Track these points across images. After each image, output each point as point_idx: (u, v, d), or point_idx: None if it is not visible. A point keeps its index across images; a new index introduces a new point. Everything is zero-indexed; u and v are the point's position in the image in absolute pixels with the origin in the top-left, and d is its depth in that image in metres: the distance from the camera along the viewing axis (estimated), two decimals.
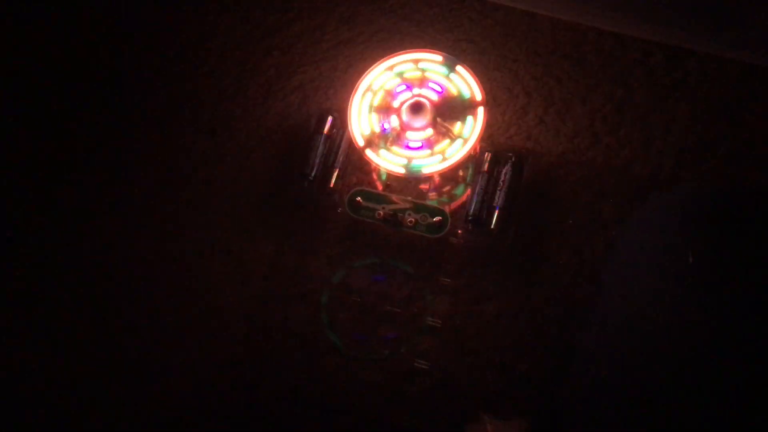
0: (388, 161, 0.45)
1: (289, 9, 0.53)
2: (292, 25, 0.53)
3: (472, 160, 0.46)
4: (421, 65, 0.46)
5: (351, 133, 0.45)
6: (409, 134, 0.45)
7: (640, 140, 0.47)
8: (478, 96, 0.44)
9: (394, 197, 0.46)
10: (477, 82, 0.45)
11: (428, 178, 0.46)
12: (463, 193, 0.47)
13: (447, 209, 0.46)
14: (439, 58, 0.45)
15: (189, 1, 0.54)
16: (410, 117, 0.45)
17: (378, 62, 0.47)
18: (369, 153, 0.45)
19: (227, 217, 0.49)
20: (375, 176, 0.47)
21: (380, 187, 0.47)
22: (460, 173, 0.47)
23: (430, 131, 0.45)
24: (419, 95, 0.45)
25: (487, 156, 0.46)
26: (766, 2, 0.47)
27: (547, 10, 0.50)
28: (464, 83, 0.45)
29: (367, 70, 0.47)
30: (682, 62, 0.48)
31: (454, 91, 0.45)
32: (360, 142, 0.45)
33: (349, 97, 0.47)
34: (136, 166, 0.51)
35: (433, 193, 0.47)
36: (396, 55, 0.46)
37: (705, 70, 0.48)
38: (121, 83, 0.52)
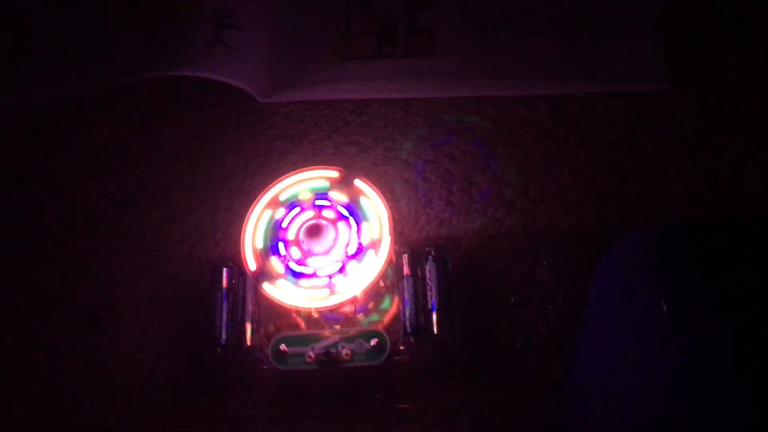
0: (295, 296, 0.40)
1: (150, 161, 0.48)
2: (157, 178, 0.48)
3: (391, 266, 0.42)
4: (311, 185, 0.42)
5: (249, 275, 0.40)
6: (313, 261, 0.41)
7: (552, 195, 0.45)
8: (381, 207, 0.41)
9: (321, 332, 0.41)
10: (377, 193, 0.41)
11: (350, 302, 0.41)
12: (392, 304, 0.43)
13: (381, 327, 0.41)
14: (334, 174, 0.42)
15: (46, 181, 0.48)
16: (310, 242, 0.40)
17: (264, 191, 0.42)
18: (269, 288, 0.40)
19: (139, 412, 0.42)
20: (294, 315, 0.42)
21: (303, 326, 0.42)
22: (381, 284, 0.43)
23: (336, 253, 0.40)
24: (316, 216, 0.41)
25: (405, 258, 0.42)
26: (628, 35, 0.47)
27: (419, 93, 0.48)
28: (364, 196, 0.41)
29: (252, 201, 0.43)
30: (566, 109, 0.47)
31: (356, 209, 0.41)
32: (264, 283, 0.40)
33: (240, 236, 0.42)
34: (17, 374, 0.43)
35: (360, 314, 0.43)
36: (282, 179, 0.42)
37: (590, 110, 0.46)
38: None
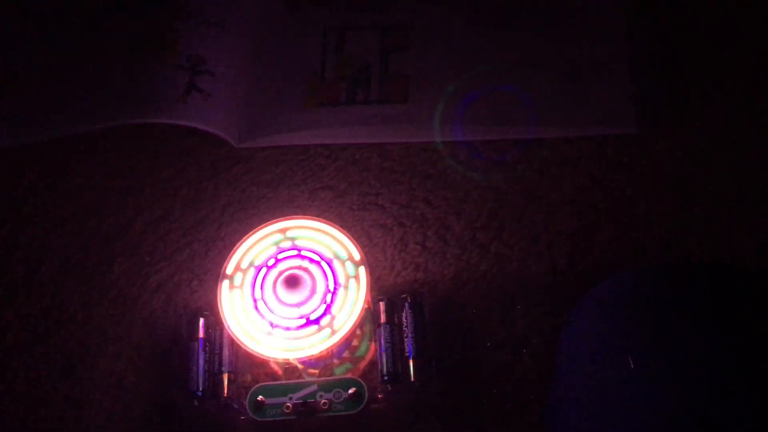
0: (272, 348, 0.39)
1: (124, 208, 0.48)
2: (132, 225, 0.48)
3: (368, 312, 0.42)
4: (289, 233, 0.41)
5: (227, 327, 0.40)
6: (288, 311, 0.40)
7: (526, 239, 0.46)
8: (356, 255, 0.41)
9: (299, 381, 0.41)
10: (352, 241, 0.41)
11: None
12: (368, 350, 0.43)
13: (356, 374, 0.41)
14: (311, 223, 0.41)
15: (18, 224, 0.48)
16: (287, 292, 0.40)
17: (242, 239, 0.42)
18: (245, 340, 0.39)
19: None
20: (271, 365, 0.42)
21: (281, 374, 0.42)
22: (358, 331, 0.43)
23: (313, 304, 0.40)
24: (294, 267, 0.40)
25: (381, 306, 0.42)
26: (596, 79, 0.48)
27: (393, 138, 0.48)
28: (338, 244, 0.41)
29: (229, 248, 0.43)
30: (538, 152, 0.47)
31: (329, 254, 0.41)
32: (240, 336, 0.40)
33: (216, 284, 0.42)
34: None
35: (336, 360, 0.42)
36: (259, 229, 0.42)
37: (561, 153, 0.47)
38: None
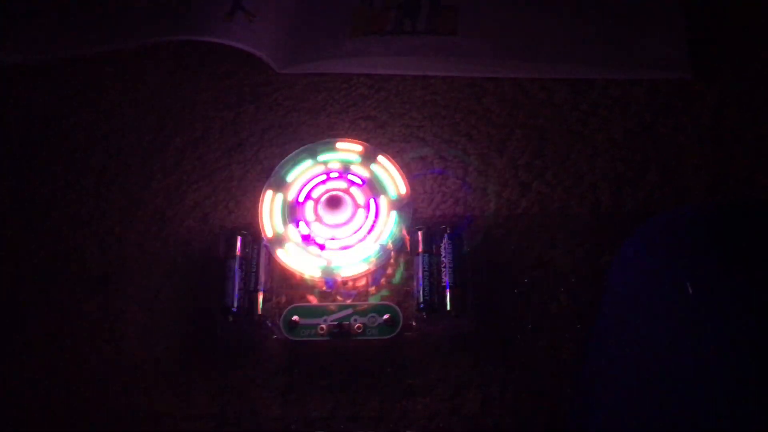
0: (311, 265, 0.39)
1: (163, 126, 0.48)
2: (171, 142, 0.47)
3: (405, 242, 0.42)
4: (337, 156, 0.41)
5: (264, 235, 0.40)
6: (331, 231, 0.40)
7: (569, 179, 0.45)
8: (403, 189, 0.40)
9: (332, 305, 0.41)
10: (401, 173, 0.40)
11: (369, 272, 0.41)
12: (404, 279, 0.42)
13: (393, 302, 0.41)
14: (359, 147, 0.41)
15: (58, 140, 0.48)
16: (329, 212, 0.40)
17: (289, 155, 0.41)
18: (284, 255, 0.39)
19: (144, 379, 0.41)
20: (306, 287, 0.42)
21: (315, 299, 0.41)
22: (393, 260, 0.42)
23: (355, 224, 0.40)
24: (337, 189, 0.40)
25: (420, 235, 0.42)
26: (651, 23, 0.46)
27: (438, 71, 0.47)
28: (386, 173, 0.40)
29: (267, 171, 0.42)
30: (587, 94, 0.46)
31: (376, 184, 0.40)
32: (275, 246, 0.39)
33: (253, 205, 0.41)
34: (26, 332, 0.43)
35: (373, 288, 0.42)
36: (308, 146, 0.41)
37: (610, 96, 0.46)
38: None
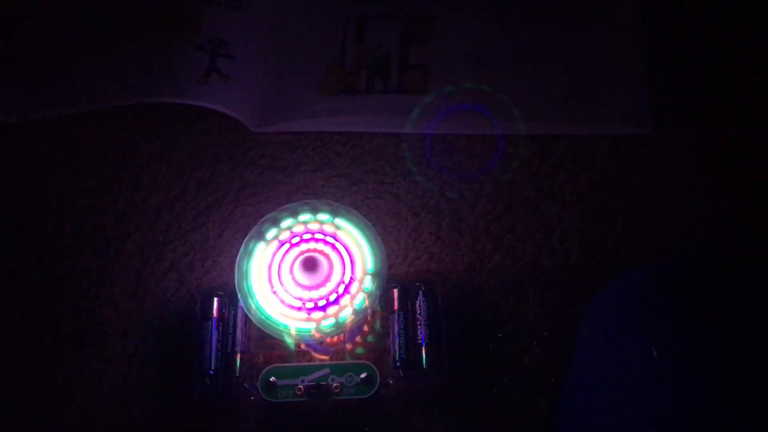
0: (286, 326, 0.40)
1: (139, 186, 0.48)
2: (147, 203, 0.48)
3: (380, 300, 0.42)
4: (303, 217, 0.42)
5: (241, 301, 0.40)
6: (305, 293, 0.40)
7: (539, 232, 0.46)
8: (377, 248, 0.41)
9: (310, 363, 0.41)
10: (372, 234, 0.41)
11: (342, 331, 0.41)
12: (379, 337, 0.43)
13: (369, 359, 0.42)
14: (332, 207, 0.41)
15: (33, 198, 0.48)
16: (304, 274, 0.40)
17: (261, 220, 0.42)
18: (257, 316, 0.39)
19: None
20: (283, 347, 0.42)
21: (292, 358, 0.42)
22: (369, 318, 0.43)
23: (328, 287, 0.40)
24: (311, 250, 0.40)
25: (395, 293, 0.42)
26: (613, 79, 0.48)
27: (410, 129, 0.48)
28: (360, 233, 0.41)
29: (242, 230, 0.43)
30: (554, 148, 0.48)
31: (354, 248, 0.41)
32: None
33: (230, 266, 0.42)
34: None
35: (349, 345, 0.43)
36: (279, 211, 0.42)
37: (576, 151, 0.48)
38: None
